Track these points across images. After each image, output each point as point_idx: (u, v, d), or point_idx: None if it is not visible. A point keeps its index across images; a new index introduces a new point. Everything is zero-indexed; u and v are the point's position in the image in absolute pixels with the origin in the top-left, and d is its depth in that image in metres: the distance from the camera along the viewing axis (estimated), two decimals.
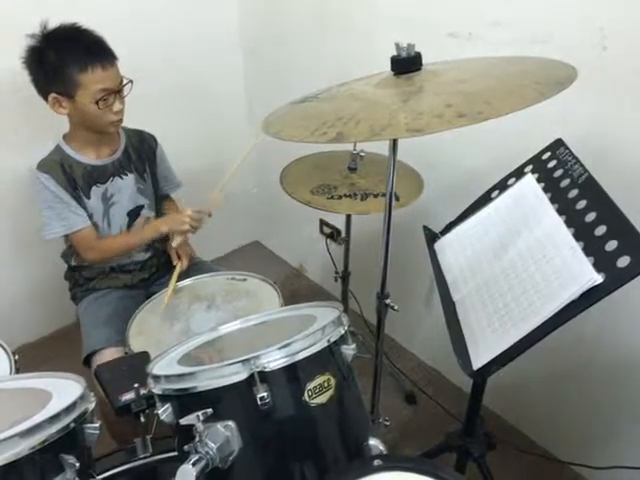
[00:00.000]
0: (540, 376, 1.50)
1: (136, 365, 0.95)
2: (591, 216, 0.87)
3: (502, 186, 1.12)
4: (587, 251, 0.83)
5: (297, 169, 1.57)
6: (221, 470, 0.71)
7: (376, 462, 0.68)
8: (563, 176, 0.99)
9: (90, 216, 1.39)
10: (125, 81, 1.30)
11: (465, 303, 1.00)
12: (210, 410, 0.72)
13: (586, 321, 1.27)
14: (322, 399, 0.76)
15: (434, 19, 1.41)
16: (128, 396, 0.91)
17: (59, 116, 1.31)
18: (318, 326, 0.80)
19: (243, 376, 0.71)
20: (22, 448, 0.64)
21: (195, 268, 1.51)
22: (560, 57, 0.92)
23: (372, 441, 0.80)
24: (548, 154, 1.06)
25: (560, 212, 0.93)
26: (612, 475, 1.34)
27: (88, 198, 1.38)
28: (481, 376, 0.87)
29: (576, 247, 0.85)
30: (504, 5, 1.26)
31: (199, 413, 0.71)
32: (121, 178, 1.43)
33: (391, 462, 0.68)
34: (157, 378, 0.79)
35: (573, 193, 0.94)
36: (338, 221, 1.94)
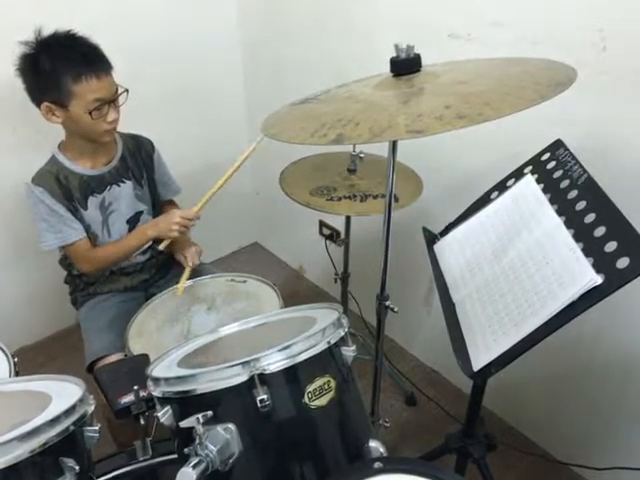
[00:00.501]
0: (540, 377, 1.50)
1: (136, 367, 0.95)
2: (591, 217, 0.87)
3: (502, 187, 1.12)
4: (587, 252, 0.83)
5: (296, 170, 1.57)
6: (221, 473, 0.71)
7: (376, 464, 0.68)
8: (563, 177, 0.99)
9: (88, 227, 1.38)
10: (120, 90, 1.28)
11: (465, 304, 1.00)
12: (210, 412, 0.72)
13: (586, 322, 1.27)
14: (322, 401, 0.76)
15: (434, 20, 1.41)
16: (128, 399, 0.91)
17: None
18: (318, 328, 0.79)
19: (243, 378, 0.71)
20: (22, 451, 0.64)
21: (195, 270, 1.51)
22: (560, 58, 0.92)
23: (372, 443, 0.80)
24: (548, 155, 1.06)
25: (560, 213, 0.93)
26: (612, 476, 1.34)
27: (85, 209, 1.36)
28: (481, 377, 0.87)
29: (576, 248, 0.85)
30: (504, 6, 1.26)
31: (199, 415, 0.71)
32: (118, 186, 1.41)
33: (391, 464, 0.68)
34: (157, 380, 0.78)
35: (573, 194, 0.94)
36: (338, 222, 1.94)
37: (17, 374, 1.02)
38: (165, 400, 0.77)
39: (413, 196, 1.40)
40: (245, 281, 1.40)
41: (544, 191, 1.00)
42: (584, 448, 1.48)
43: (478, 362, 0.87)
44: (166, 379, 0.77)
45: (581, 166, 0.97)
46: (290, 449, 0.75)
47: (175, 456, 0.83)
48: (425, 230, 1.21)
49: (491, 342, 0.88)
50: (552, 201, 0.97)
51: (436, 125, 0.74)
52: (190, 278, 1.42)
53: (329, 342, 0.78)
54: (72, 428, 0.70)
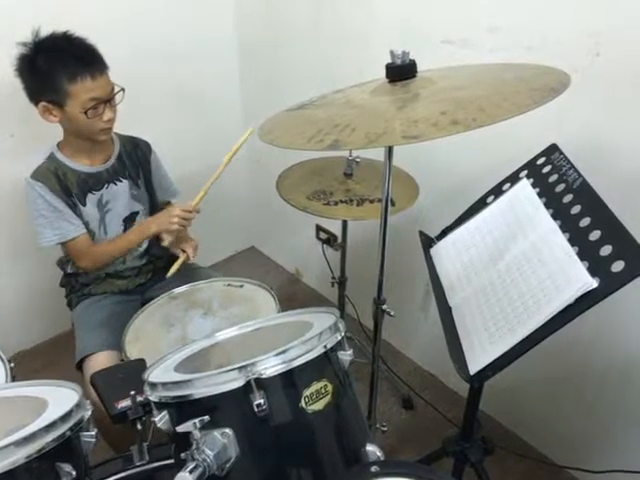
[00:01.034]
0: (537, 380, 1.51)
1: (132, 372, 0.95)
2: (586, 221, 0.88)
3: (497, 191, 1.12)
4: (582, 256, 0.83)
5: (293, 175, 1.58)
6: (218, 477, 0.71)
7: (373, 468, 0.68)
8: (558, 181, 1.00)
9: (86, 224, 1.39)
10: (116, 89, 1.30)
11: (461, 308, 1.00)
12: (207, 417, 0.72)
13: (582, 325, 1.27)
14: (319, 405, 0.76)
15: (429, 26, 1.42)
16: (124, 403, 0.91)
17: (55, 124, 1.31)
18: (315, 332, 0.79)
19: (240, 383, 0.71)
20: (18, 457, 0.64)
21: (191, 274, 1.51)
22: (554, 63, 0.93)
23: (369, 447, 0.80)
24: (543, 159, 1.07)
25: (555, 217, 0.94)
26: (610, 479, 1.34)
27: (84, 205, 1.38)
28: (478, 381, 0.87)
29: (571, 252, 0.85)
30: (499, 12, 1.27)
31: (196, 420, 0.71)
32: (115, 184, 1.42)
33: (388, 468, 0.68)
34: (154, 385, 0.78)
35: (568, 198, 0.95)
36: (334, 227, 1.94)
37: (13, 379, 1.02)
38: (162, 405, 0.77)
39: (410, 200, 1.40)
40: (242, 285, 1.40)
41: (539, 195, 1.01)
42: (582, 451, 1.48)
43: (475, 365, 0.87)
44: (163, 384, 0.77)
45: (576, 170, 0.98)
46: (287, 453, 0.75)
47: (172, 461, 0.83)
48: (421, 234, 1.21)
49: (487, 345, 0.88)
50: (547, 205, 0.97)
51: (432, 131, 0.75)
52: (187, 283, 1.42)
53: (326, 346, 0.78)
54: (68, 433, 0.70)
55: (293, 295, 2.30)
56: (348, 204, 1.42)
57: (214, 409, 0.73)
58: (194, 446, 0.70)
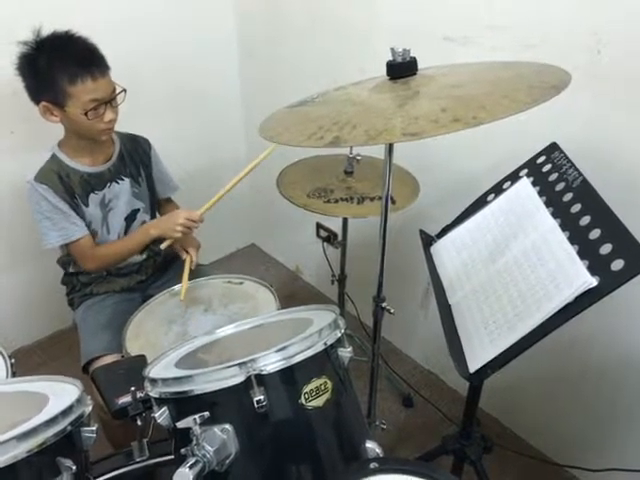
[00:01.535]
0: (536, 379, 1.51)
1: (133, 368, 0.95)
2: (586, 219, 0.88)
3: (497, 190, 1.13)
4: (582, 254, 0.84)
5: (294, 172, 1.58)
6: (218, 473, 0.71)
7: (372, 465, 0.68)
8: (558, 180, 1.00)
9: (89, 224, 1.39)
10: (118, 90, 1.30)
11: (461, 306, 1.01)
12: (207, 413, 0.72)
13: (581, 323, 1.26)
14: (318, 402, 0.76)
15: (430, 23, 1.42)
16: (125, 399, 0.91)
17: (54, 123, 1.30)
18: (315, 329, 0.80)
19: (240, 379, 0.72)
20: (19, 451, 0.64)
21: (192, 271, 1.51)
22: (555, 61, 0.93)
23: (369, 444, 0.81)
24: (543, 158, 1.07)
25: (555, 215, 0.94)
26: (608, 477, 1.34)
27: (86, 206, 1.38)
28: (477, 379, 0.87)
29: (571, 250, 0.86)
30: (499, 9, 1.27)
31: (196, 416, 0.71)
32: (117, 183, 1.43)
33: (387, 465, 0.68)
34: (154, 381, 0.79)
35: (568, 197, 0.95)
36: (335, 224, 1.95)
37: (14, 375, 1.02)
38: (162, 401, 0.77)
39: (410, 198, 1.40)
40: (242, 282, 1.41)
41: (540, 194, 1.01)
42: (580, 449, 1.49)
43: (474, 363, 0.88)
44: (163, 380, 0.77)
45: (576, 169, 0.98)
46: (287, 449, 0.75)
47: (172, 457, 0.83)
48: (422, 232, 1.21)
49: (487, 344, 0.88)
50: (547, 204, 0.97)
51: (432, 128, 0.75)
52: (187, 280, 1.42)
53: (326, 343, 0.78)
54: (69, 428, 0.70)
55: (293, 293, 2.31)
56: (348, 202, 1.42)
57: (214, 405, 0.73)
58: (194, 442, 0.71)
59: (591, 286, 0.78)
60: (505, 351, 0.84)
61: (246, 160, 2.20)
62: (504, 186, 1.12)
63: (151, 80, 1.84)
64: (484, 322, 0.92)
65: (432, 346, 1.80)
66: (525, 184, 1.06)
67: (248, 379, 0.71)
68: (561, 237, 0.89)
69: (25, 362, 1.86)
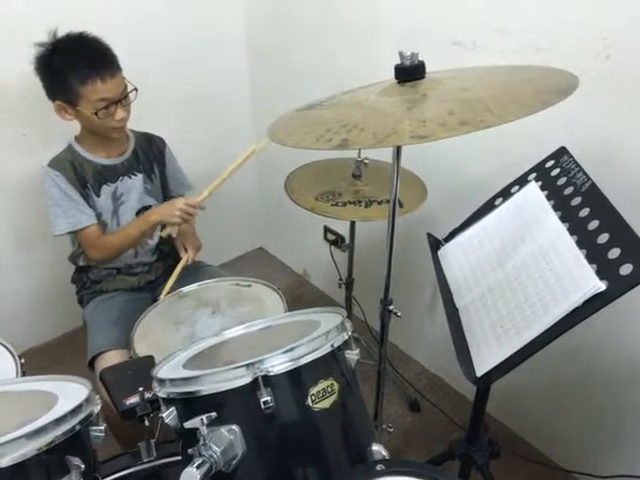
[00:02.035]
0: (543, 384, 1.50)
1: (141, 369, 0.96)
2: (594, 224, 0.88)
3: (506, 193, 1.12)
4: (590, 259, 0.83)
5: (301, 176, 1.58)
6: (225, 474, 0.72)
7: (379, 467, 0.68)
8: (566, 184, 0.99)
9: (99, 215, 1.42)
10: (130, 88, 1.33)
11: (468, 310, 1.00)
12: (214, 414, 0.72)
13: (589, 328, 1.26)
14: (325, 404, 0.76)
15: (439, 28, 1.42)
16: (133, 400, 0.91)
17: (68, 122, 1.34)
18: (322, 331, 0.80)
19: (247, 380, 0.72)
20: (28, 449, 0.65)
21: (200, 273, 1.52)
22: (563, 65, 0.93)
23: (375, 446, 0.80)
24: (551, 162, 1.07)
25: (563, 220, 0.93)
26: None
27: (98, 196, 1.41)
28: (484, 383, 0.87)
29: (579, 254, 0.85)
30: (508, 14, 1.27)
31: (203, 417, 0.71)
32: (130, 178, 1.46)
33: (393, 467, 0.68)
34: (162, 382, 0.79)
35: (576, 201, 0.95)
36: (342, 228, 1.95)
37: (24, 375, 1.03)
38: (170, 401, 0.77)
39: (417, 202, 1.41)
40: (250, 285, 1.41)
41: (548, 198, 1.00)
42: (588, 456, 1.47)
43: (481, 368, 0.87)
44: (171, 380, 0.78)
45: (585, 173, 0.97)
46: (293, 451, 0.75)
47: (179, 458, 0.83)
48: (429, 236, 1.21)
49: (494, 348, 0.88)
50: (556, 208, 0.97)
51: (439, 131, 0.75)
52: (195, 282, 1.43)
53: (333, 345, 0.78)
54: (78, 427, 0.71)
55: (300, 296, 2.31)
56: (356, 205, 1.42)
57: (221, 406, 0.73)
58: (201, 442, 0.71)
59: (599, 290, 0.78)
60: (512, 355, 0.84)
61: (254, 161, 2.22)
62: (512, 190, 1.11)
63: (162, 82, 1.86)
64: (491, 326, 0.92)
65: (439, 350, 1.80)
66: (533, 188, 1.05)
67: (255, 380, 0.71)
68: (569, 241, 0.89)
69: (35, 362, 1.85)
